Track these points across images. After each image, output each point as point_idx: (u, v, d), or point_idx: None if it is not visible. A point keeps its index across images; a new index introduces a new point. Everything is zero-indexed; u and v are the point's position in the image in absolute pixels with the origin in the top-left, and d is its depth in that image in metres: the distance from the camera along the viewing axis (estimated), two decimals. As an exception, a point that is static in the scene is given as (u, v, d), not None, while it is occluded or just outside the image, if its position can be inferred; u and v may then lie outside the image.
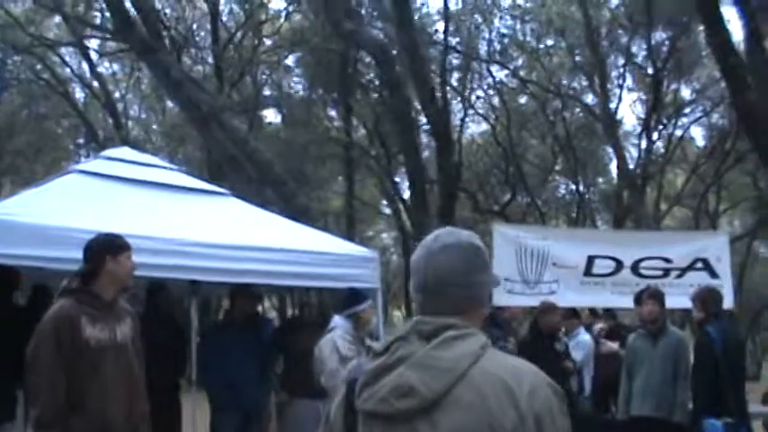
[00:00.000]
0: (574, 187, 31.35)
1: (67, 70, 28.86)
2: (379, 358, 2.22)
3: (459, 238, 2.35)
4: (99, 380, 4.63)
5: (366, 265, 8.41)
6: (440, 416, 2.09)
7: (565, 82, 28.57)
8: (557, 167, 32.04)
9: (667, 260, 10.76)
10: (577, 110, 29.53)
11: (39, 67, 27.52)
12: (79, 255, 6.27)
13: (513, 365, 2.19)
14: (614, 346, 10.10)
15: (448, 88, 25.16)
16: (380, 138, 28.30)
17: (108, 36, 25.16)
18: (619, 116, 28.36)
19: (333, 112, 30.51)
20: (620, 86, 28.74)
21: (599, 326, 10.67)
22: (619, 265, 10.76)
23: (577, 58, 27.58)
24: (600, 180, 33.84)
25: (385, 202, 35.02)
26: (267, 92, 29.59)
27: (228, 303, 8.85)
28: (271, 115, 31.79)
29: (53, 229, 6.37)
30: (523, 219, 29.72)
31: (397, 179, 30.90)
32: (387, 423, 2.16)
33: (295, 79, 30.16)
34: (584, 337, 10.34)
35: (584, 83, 28.72)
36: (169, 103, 29.65)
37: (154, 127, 31.53)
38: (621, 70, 28.75)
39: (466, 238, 2.36)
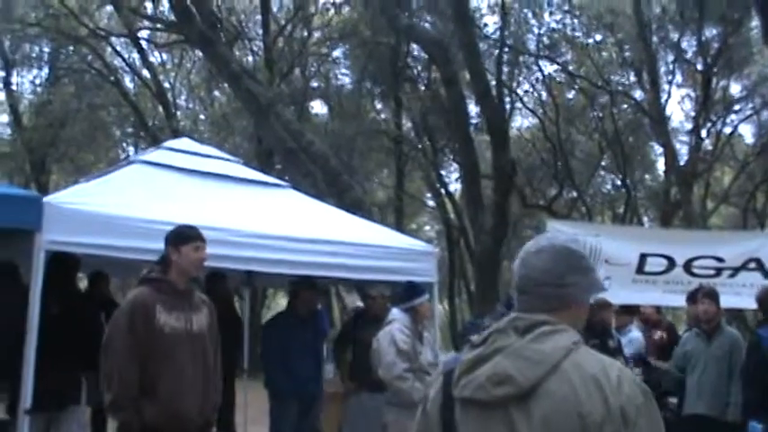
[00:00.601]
0: (620, 183, 31.12)
1: (118, 60, 29.15)
2: (476, 349, 2.35)
3: (553, 242, 2.49)
4: (172, 367, 4.73)
5: (424, 258, 8.48)
6: (533, 404, 2.19)
7: (614, 77, 28.30)
8: (603, 163, 31.82)
9: (720, 259, 10.70)
10: (625, 106, 29.28)
11: (90, 57, 27.80)
12: (139, 243, 6.47)
13: (603, 361, 2.28)
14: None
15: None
16: (428, 131, 28.27)
17: (162, 27, 25.37)
18: (667, 112, 28.09)
19: (380, 105, 30.54)
20: (670, 82, 28.51)
21: (659, 333, 10.57)
22: (671, 263, 10.73)
23: (627, 54, 27.37)
24: (647, 177, 33.54)
25: (429, 194, 34.99)
26: (315, 84, 29.63)
27: (291, 295, 8.90)
28: (318, 107, 31.94)
29: (115, 218, 6.49)
30: (569, 214, 29.59)
31: (442, 172, 30.93)
32: (483, 409, 2.27)
33: (343, 71, 30.26)
34: (636, 333, 10.28)
35: (633, 78, 28.48)
36: (217, 94, 29.89)
37: (201, 117, 31.70)
38: (671, 66, 28.47)
39: (560, 242, 2.50)
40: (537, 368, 2.20)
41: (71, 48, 27.15)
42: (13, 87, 28.79)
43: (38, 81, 29.52)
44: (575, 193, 30.68)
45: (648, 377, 8.16)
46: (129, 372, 4.80)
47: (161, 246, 5.61)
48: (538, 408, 2.18)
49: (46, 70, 29.16)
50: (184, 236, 5.14)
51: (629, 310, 10.44)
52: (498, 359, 2.26)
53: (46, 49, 28.12)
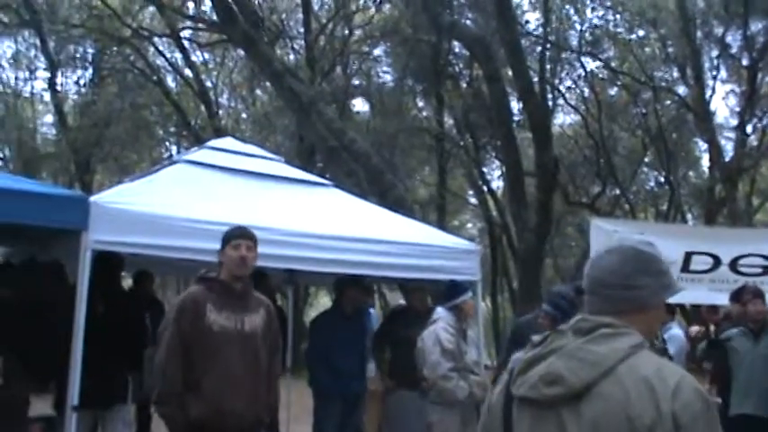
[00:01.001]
0: (664, 180, 30.85)
1: (161, 60, 29.37)
2: (535, 349, 2.36)
3: (623, 243, 2.49)
4: (219, 365, 4.75)
5: (467, 256, 8.44)
6: (584, 406, 2.19)
7: (657, 73, 28.04)
8: (646, 160, 31.56)
9: (766, 257, 10.58)
10: (669, 102, 29.01)
11: (133, 57, 28.02)
12: (183, 243, 6.53)
13: (662, 367, 2.25)
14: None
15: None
16: (470, 128, 28.20)
17: (204, 27, 25.51)
18: (712, 108, 27.78)
19: (421, 103, 30.50)
20: (714, 78, 28.17)
21: (695, 328, 10.48)
22: (716, 261, 10.62)
23: (670, 49, 27.11)
24: (691, 174, 33.21)
25: (471, 192, 34.92)
26: (356, 82, 29.66)
27: (337, 293, 8.90)
28: (359, 105, 31.98)
29: (160, 217, 6.53)
30: (612, 211, 29.42)
31: (484, 169, 30.83)
32: (535, 408, 2.28)
33: (385, 69, 30.25)
34: (677, 331, 10.20)
35: (677, 74, 28.20)
36: (259, 92, 30.02)
37: (243, 116, 31.84)
38: (715, 61, 28.11)
39: (629, 243, 2.49)
40: (590, 370, 2.19)
41: (115, 48, 27.33)
42: (58, 88, 29.04)
43: (82, 81, 29.81)
44: (618, 191, 30.46)
45: None
46: (172, 367, 4.86)
47: (204, 245, 5.66)
48: (588, 409, 2.17)
49: (90, 71, 29.39)
50: (226, 236, 5.24)
51: (670, 309, 10.34)
52: (552, 359, 2.27)
53: (90, 50, 28.35)
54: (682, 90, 28.04)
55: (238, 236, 5.22)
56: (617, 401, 2.15)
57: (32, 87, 31.84)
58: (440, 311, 7.53)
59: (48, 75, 28.65)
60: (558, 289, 6.60)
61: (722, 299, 10.03)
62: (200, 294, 5.08)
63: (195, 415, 4.80)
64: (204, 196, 7.38)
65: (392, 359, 8.91)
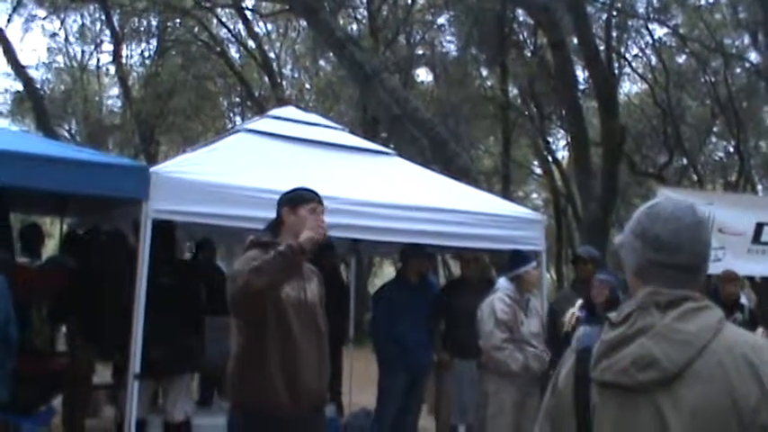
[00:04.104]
0: (733, 150, 30.26)
1: (224, 31, 29.48)
2: (616, 329, 2.18)
3: (701, 212, 2.30)
4: (287, 334, 4.44)
5: (531, 226, 8.32)
6: (681, 389, 2.04)
7: (727, 40, 27.44)
8: (715, 129, 30.99)
9: (839, 226, 10.36)
10: (739, 69, 28.39)
11: (196, 29, 28.16)
12: (244, 212, 6.50)
13: (754, 340, 2.13)
14: None
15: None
16: (534, 97, 27.91)
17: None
18: (784, 75, 27.10)
19: (485, 72, 30.23)
20: (786, 44, 27.51)
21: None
22: (789, 232, 10.41)
23: (741, 15, 26.48)
24: (762, 143, 32.54)
25: (536, 162, 34.66)
26: (420, 51, 29.48)
27: (401, 263, 8.82)
28: (423, 74, 31.76)
29: (220, 186, 6.54)
30: (680, 181, 28.95)
31: (549, 139, 30.54)
32: (626, 394, 2.11)
33: (448, 38, 30.00)
34: (744, 301, 9.95)
35: (748, 41, 27.55)
36: (322, 63, 30.00)
37: (307, 86, 31.85)
38: (788, 27, 27.47)
39: (701, 211, 2.31)
40: (684, 351, 2.05)
41: (178, 20, 27.54)
42: (123, 61, 29.28)
43: (146, 54, 30.08)
44: (685, 161, 29.96)
45: None
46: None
47: (266, 214, 5.54)
48: (686, 392, 2.03)
49: (154, 43, 29.62)
50: (300, 196, 4.67)
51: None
52: (642, 341, 2.10)
53: (153, 23, 28.51)
54: (753, 57, 27.41)
55: (316, 199, 4.67)
56: (718, 383, 2.01)
57: (98, 60, 32.15)
58: (501, 282, 7.44)
59: (112, 47, 28.91)
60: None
61: (794, 271, 9.85)
62: None
63: (265, 397, 4.53)
64: (265, 165, 7.34)
65: (446, 330, 8.84)
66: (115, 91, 33.08)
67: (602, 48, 21.90)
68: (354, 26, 27.58)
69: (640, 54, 29.06)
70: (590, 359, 2.21)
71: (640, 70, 29.54)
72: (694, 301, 2.13)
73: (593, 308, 7.02)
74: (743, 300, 9.90)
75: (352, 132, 10.50)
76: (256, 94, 29.29)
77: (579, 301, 7.31)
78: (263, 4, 28.19)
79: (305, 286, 4.59)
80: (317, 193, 4.65)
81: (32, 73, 28.68)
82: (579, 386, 2.25)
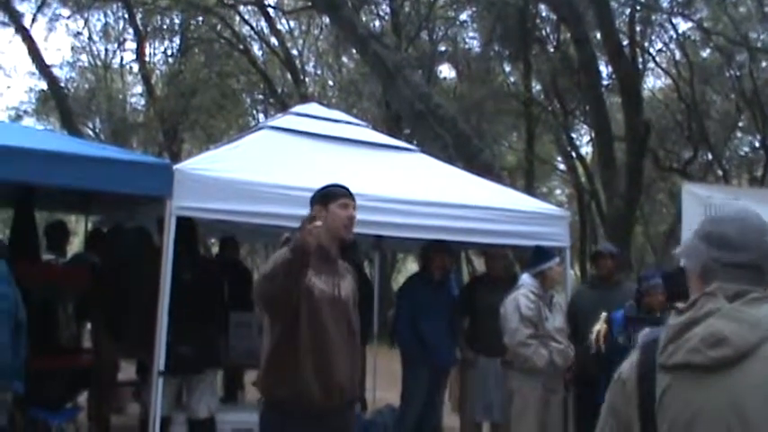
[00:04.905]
0: (759, 145, 30.02)
1: (247, 29, 29.50)
2: (683, 315, 2.21)
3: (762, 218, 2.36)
4: (321, 329, 4.46)
5: (556, 222, 8.27)
6: (750, 367, 2.06)
7: (753, 34, 27.21)
8: (740, 124, 30.76)
9: None
10: (765, 63, 28.15)
11: (219, 26, 28.20)
12: (267, 209, 6.51)
13: None
14: None
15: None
16: (558, 93, 27.80)
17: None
18: (810, 70, 26.90)
19: (508, 68, 30.14)
20: (814, 38, 27.26)
21: None
22: (817, 228, 10.27)
23: (766, 9, 26.26)
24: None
25: (559, 158, 34.52)
26: (442, 47, 29.42)
27: (424, 259, 8.80)
28: (446, 71, 31.72)
29: (243, 183, 6.55)
30: (704, 177, 28.73)
31: (573, 134, 30.41)
32: (697, 374, 2.13)
33: (471, 34, 29.93)
34: None
35: (774, 34, 27.35)
36: (345, 59, 29.99)
37: (330, 83, 31.86)
38: (815, 20, 27.24)
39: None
40: (753, 331, 2.07)
41: (200, 18, 27.55)
42: (146, 59, 29.42)
43: (169, 52, 30.20)
44: (710, 156, 29.72)
45: None
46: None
47: (288, 210, 5.55)
48: (757, 370, 2.05)
49: (177, 41, 29.70)
50: (332, 193, 4.67)
51: None
52: (711, 321, 2.13)
53: (176, 20, 28.57)
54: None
55: (347, 194, 4.68)
56: None
57: (121, 59, 32.37)
58: (524, 278, 7.44)
59: (135, 45, 29.06)
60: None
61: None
62: None
63: (297, 392, 4.55)
64: (288, 162, 7.35)
65: (471, 327, 8.75)
66: (139, 89, 33.21)
67: (625, 42, 21.84)
68: (377, 23, 27.56)
69: (664, 49, 28.87)
70: (656, 349, 2.23)
71: (664, 65, 29.33)
72: (760, 292, 2.17)
73: (647, 310, 6.98)
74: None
75: (375, 129, 10.48)
76: (279, 91, 29.30)
77: (603, 314, 7.26)
78: (286, 1, 28.31)
79: (338, 282, 4.60)
80: (348, 189, 4.65)
81: (57, 72, 28.99)
82: (644, 379, 2.26)
